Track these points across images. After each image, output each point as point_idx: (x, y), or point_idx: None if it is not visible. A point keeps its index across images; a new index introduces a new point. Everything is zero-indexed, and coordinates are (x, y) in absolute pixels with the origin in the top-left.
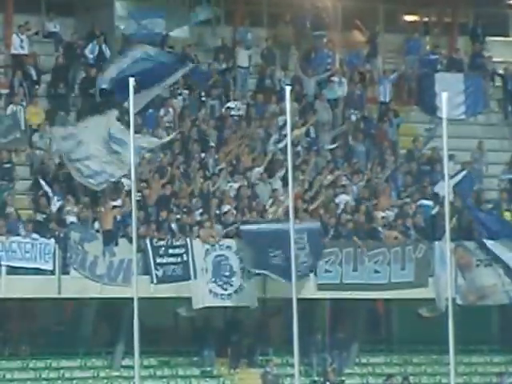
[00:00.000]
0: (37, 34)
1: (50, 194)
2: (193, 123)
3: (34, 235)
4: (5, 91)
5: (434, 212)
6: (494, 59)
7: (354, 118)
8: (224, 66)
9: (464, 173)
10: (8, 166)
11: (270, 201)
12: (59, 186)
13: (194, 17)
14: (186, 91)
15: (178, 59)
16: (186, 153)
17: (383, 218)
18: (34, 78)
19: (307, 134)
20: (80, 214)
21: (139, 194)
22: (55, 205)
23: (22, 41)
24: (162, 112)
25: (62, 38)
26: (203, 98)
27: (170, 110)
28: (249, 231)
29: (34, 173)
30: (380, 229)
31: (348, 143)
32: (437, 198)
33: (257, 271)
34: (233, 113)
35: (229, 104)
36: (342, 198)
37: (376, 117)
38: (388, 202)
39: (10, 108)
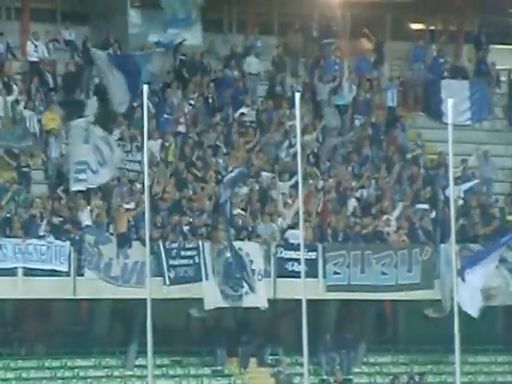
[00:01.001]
0: (52, 41)
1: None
2: (205, 128)
3: (50, 238)
4: (22, 97)
5: (432, 216)
6: (498, 67)
7: (361, 123)
8: (235, 73)
9: (476, 181)
10: (25, 169)
11: (281, 204)
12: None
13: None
14: (198, 97)
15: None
16: (198, 157)
17: (390, 221)
18: (50, 84)
19: (317, 139)
20: (95, 217)
21: (153, 197)
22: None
23: (37, 48)
24: (174, 117)
25: (77, 45)
26: (215, 104)
27: (182, 115)
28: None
29: (49, 177)
30: (387, 232)
31: (356, 148)
32: (436, 203)
33: None
34: (245, 119)
35: (241, 110)
36: (350, 202)
37: (384, 122)
38: (394, 206)
39: (27, 113)
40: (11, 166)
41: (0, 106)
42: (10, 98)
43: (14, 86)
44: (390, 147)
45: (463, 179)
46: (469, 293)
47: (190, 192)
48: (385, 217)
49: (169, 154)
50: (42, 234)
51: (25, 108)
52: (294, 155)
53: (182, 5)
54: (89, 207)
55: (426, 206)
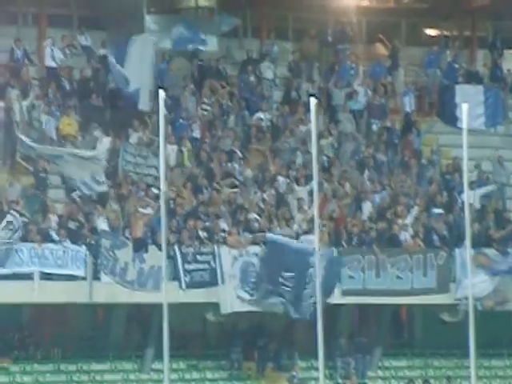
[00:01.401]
0: (69, 46)
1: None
2: (221, 134)
3: (66, 242)
4: (38, 102)
5: (447, 220)
6: None
7: (376, 128)
8: (251, 78)
9: (492, 187)
10: (43, 175)
11: (296, 209)
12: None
13: (218, 26)
14: (213, 102)
15: None
16: (213, 162)
17: (405, 225)
18: (67, 89)
19: (332, 144)
20: (111, 221)
21: (169, 201)
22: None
23: (54, 53)
24: (189, 123)
25: (94, 50)
26: (231, 109)
27: (198, 120)
28: (272, 241)
29: (65, 181)
30: (402, 236)
31: (371, 153)
32: (451, 207)
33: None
34: (260, 124)
35: (257, 115)
36: (366, 206)
37: (399, 127)
38: (409, 211)
39: (44, 118)
40: (29, 170)
41: (16, 111)
42: (26, 103)
43: (31, 92)
44: (405, 152)
45: (478, 184)
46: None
47: (206, 197)
48: (400, 221)
49: (184, 159)
50: (58, 238)
51: (42, 113)
52: (310, 160)
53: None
54: (105, 213)
55: (441, 211)
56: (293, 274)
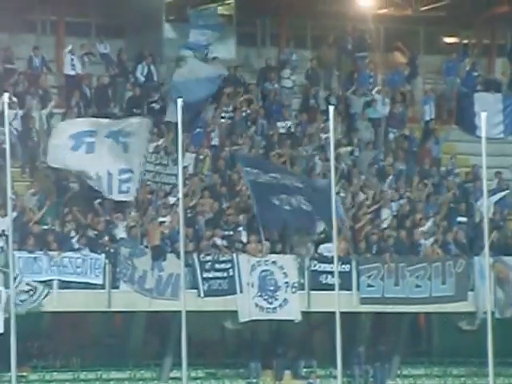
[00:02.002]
0: (87, 54)
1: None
2: (239, 142)
3: (85, 250)
4: (59, 110)
5: (466, 228)
6: None
7: (395, 136)
8: (269, 86)
9: (506, 192)
10: (64, 183)
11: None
12: (109, 202)
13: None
14: (232, 110)
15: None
16: (232, 171)
17: (424, 233)
18: (86, 97)
19: (351, 152)
20: (129, 230)
21: (187, 210)
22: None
23: (73, 61)
24: (208, 131)
25: (112, 59)
26: (249, 118)
27: (217, 128)
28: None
29: (85, 189)
30: (421, 244)
31: (390, 161)
32: (469, 215)
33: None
34: (279, 132)
35: (278, 124)
36: (385, 215)
37: (417, 135)
38: (428, 219)
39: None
40: (49, 178)
41: (36, 119)
42: (45, 112)
43: (50, 100)
44: (425, 160)
45: (496, 191)
46: None
47: (225, 205)
48: (419, 229)
49: (203, 167)
50: (76, 246)
51: (62, 121)
52: (328, 168)
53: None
54: (124, 222)
55: (459, 219)
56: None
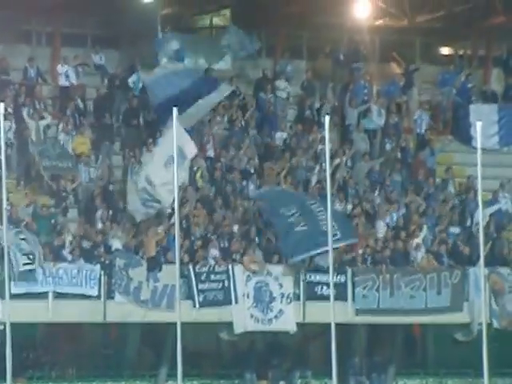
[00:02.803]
0: (83, 65)
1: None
2: (234, 153)
3: (80, 261)
4: (53, 121)
5: (461, 239)
6: None
7: (391, 147)
8: (265, 96)
9: (500, 205)
10: (64, 194)
11: None
12: (105, 213)
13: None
14: (227, 121)
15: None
16: (227, 181)
17: (419, 244)
18: (81, 108)
19: (346, 163)
20: (125, 240)
21: (182, 221)
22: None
23: (67, 72)
24: (203, 141)
25: (107, 70)
26: (245, 128)
27: (212, 139)
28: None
29: (79, 201)
30: (416, 255)
31: (386, 172)
32: (464, 226)
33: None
34: (276, 142)
35: (273, 134)
36: (380, 226)
37: (413, 146)
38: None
39: (59, 137)
40: (43, 190)
41: (31, 131)
42: (44, 122)
43: (46, 111)
44: (420, 171)
45: (491, 203)
46: None
47: (220, 216)
48: (414, 240)
49: (197, 179)
50: (71, 257)
51: (59, 131)
52: (324, 179)
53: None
54: (119, 232)
55: (455, 230)
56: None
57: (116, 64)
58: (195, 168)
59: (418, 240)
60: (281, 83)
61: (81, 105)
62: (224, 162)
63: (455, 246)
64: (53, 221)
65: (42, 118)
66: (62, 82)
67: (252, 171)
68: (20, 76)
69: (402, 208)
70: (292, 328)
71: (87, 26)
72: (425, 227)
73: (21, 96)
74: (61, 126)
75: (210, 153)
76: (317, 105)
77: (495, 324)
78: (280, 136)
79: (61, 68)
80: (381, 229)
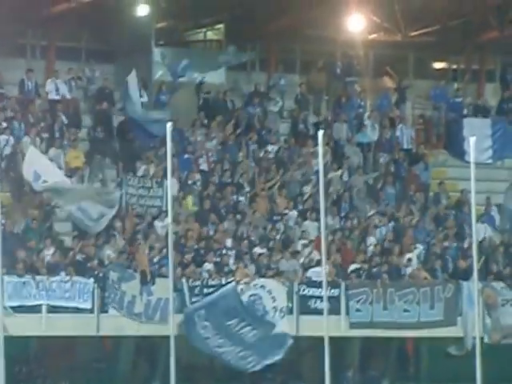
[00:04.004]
0: (77, 79)
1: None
2: (228, 167)
3: (74, 275)
4: (46, 135)
5: (455, 253)
6: None
7: (384, 161)
8: (258, 110)
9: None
10: (48, 208)
11: (304, 242)
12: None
13: (223, 59)
14: (221, 135)
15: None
16: (220, 196)
17: (412, 258)
18: (74, 122)
19: (340, 177)
20: (118, 254)
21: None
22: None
23: (57, 86)
24: (197, 156)
25: (102, 83)
26: (238, 142)
27: (205, 154)
28: None
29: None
30: (409, 269)
31: (379, 186)
32: (458, 240)
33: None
34: (268, 156)
35: (264, 148)
36: (373, 240)
37: (406, 160)
38: (416, 244)
39: (51, 151)
40: (35, 204)
41: (25, 144)
42: (33, 137)
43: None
44: (413, 185)
45: (486, 217)
46: None
47: (212, 230)
48: (407, 254)
49: (188, 202)
50: (65, 271)
51: (49, 146)
52: (318, 193)
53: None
54: (112, 246)
55: (448, 244)
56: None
57: (110, 78)
58: (183, 192)
59: (411, 255)
60: (274, 97)
61: (74, 118)
62: (217, 176)
63: (449, 261)
64: (45, 234)
65: (36, 132)
66: (52, 96)
67: (245, 185)
68: (15, 90)
69: (396, 222)
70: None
71: (81, 40)
72: (422, 242)
73: (15, 110)
74: (53, 140)
75: (204, 167)
76: (311, 119)
77: (486, 339)
78: (273, 150)
79: (50, 82)
80: (373, 243)
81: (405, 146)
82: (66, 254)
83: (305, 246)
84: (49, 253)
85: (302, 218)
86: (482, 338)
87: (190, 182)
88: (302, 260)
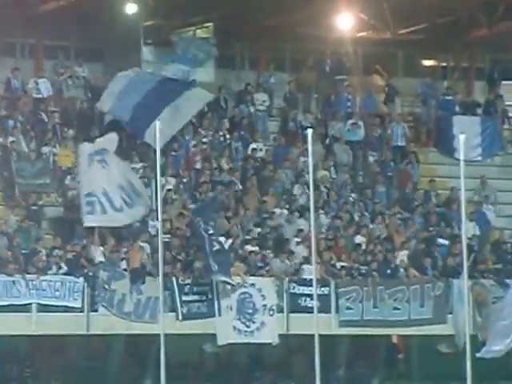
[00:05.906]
0: (66, 78)
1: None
2: (217, 165)
3: (64, 274)
4: (35, 134)
5: (445, 251)
6: (507, 102)
7: (374, 159)
8: (247, 108)
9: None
10: (35, 208)
11: (294, 240)
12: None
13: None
14: (211, 133)
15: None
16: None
17: (402, 256)
18: (65, 121)
19: (329, 175)
20: (108, 253)
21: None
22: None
23: (42, 85)
24: (188, 154)
25: (91, 82)
26: (227, 140)
27: (197, 152)
28: None
29: (64, 213)
30: (399, 267)
31: (368, 184)
32: (448, 238)
33: None
34: (257, 155)
35: (252, 145)
36: (363, 238)
37: (395, 158)
38: (406, 242)
39: (42, 151)
40: (23, 204)
41: (16, 143)
42: (21, 136)
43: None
44: (403, 183)
45: (476, 215)
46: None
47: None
48: (397, 253)
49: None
50: (55, 270)
51: (43, 145)
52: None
53: (196, 46)
54: (101, 248)
55: (438, 242)
56: None
57: (99, 76)
58: (183, 180)
59: (402, 253)
60: (264, 95)
61: (64, 117)
62: (207, 174)
63: (438, 258)
64: (34, 233)
65: (25, 131)
66: (38, 94)
67: (234, 184)
68: (3, 88)
69: (386, 220)
70: (274, 340)
71: (70, 38)
72: (412, 240)
73: (4, 109)
74: (44, 139)
75: (196, 165)
76: (300, 117)
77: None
78: (262, 148)
79: (36, 80)
80: (364, 240)
81: (399, 143)
82: (56, 253)
83: (296, 244)
84: (39, 252)
85: (292, 216)
86: (474, 336)
87: (179, 180)
88: (292, 258)
